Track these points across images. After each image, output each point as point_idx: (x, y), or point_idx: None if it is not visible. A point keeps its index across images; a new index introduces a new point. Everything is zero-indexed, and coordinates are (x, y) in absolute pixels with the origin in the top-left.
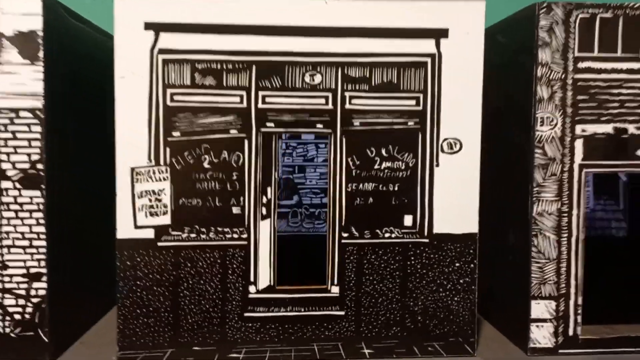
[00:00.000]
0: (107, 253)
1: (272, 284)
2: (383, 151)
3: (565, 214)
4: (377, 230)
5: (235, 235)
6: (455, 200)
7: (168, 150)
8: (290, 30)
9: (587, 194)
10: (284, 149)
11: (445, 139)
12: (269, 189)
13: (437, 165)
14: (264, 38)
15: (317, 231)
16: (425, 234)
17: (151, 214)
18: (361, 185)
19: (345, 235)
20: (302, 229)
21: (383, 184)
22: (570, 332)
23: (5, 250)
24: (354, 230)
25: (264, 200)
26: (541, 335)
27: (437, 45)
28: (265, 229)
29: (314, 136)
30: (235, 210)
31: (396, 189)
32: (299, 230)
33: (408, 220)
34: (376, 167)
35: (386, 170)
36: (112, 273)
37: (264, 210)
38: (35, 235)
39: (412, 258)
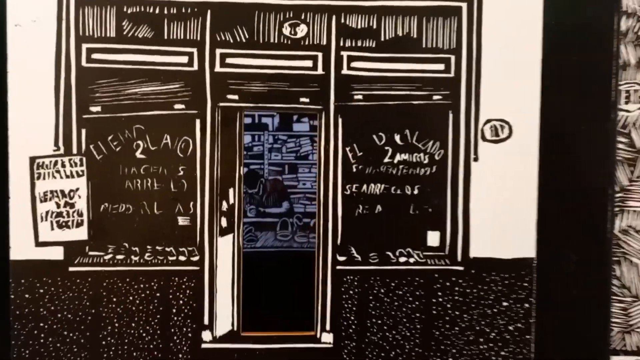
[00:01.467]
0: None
1: (235, 328)
2: (397, 138)
3: None
4: (389, 253)
5: (182, 258)
6: (502, 211)
7: (84, 132)
8: None
9: None
10: (271, 144)
11: (488, 121)
12: (231, 192)
13: (476, 159)
14: None
15: (312, 247)
16: (459, 258)
17: (60, 226)
18: (365, 186)
19: (341, 259)
20: (293, 244)
21: (397, 186)
22: None
23: None
24: (354, 252)
25: (225, 207)
26: None
27: None
28: (225, 248)
29: (309, 126)
30: (182, 221)
31: (416, 192)
32: (289, 245)
33: (433, 238)
34: (387, 160)
35: (401, 166)
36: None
37: (223, 222)
38: None
39: (440, 294)
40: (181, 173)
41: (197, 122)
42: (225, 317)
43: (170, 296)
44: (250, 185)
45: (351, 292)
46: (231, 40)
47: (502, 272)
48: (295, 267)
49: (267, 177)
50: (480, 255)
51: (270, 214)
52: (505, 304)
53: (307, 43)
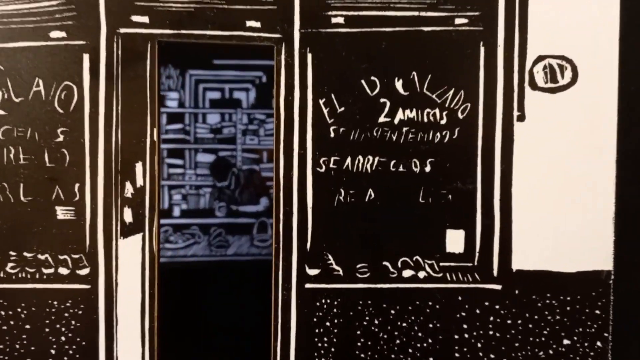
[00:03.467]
0: None
1: None
2: (398, 84)
3: None
4: (386, 263)
5: (64, 271)
6: (561, 200)
7: None
8: None
9: None
10: (246, 124)
11: (539, 59)
12: (139, 168)
13: (522, 117)
14: None
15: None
16: (495, 272)
17: None
18: (349, 160)
19: (313, 273)
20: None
21: (399, 159)
22: None
23: None
24: (332, 262)
25: (129, 191)
26: None
27: None
28: (131, 256)
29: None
30: (64, 213)
31: (428, 169)
32: (268, 252)
33: (455, 240)
34: (383, 119)
35: (405, 129)
36: None
37: (127, 215)
38: None
39: (466, 326)
40: (61, 138)
41: (86, 58)
42: (131, 356)
43: (47, 329)
44: (220, 177)
45: (328, 323)
46: None
47: (563, 294)
48: (256, 283)
49: (241, 167)
50: (528, 268)
51: (245, 214)
52: (566, 341)
53: None
